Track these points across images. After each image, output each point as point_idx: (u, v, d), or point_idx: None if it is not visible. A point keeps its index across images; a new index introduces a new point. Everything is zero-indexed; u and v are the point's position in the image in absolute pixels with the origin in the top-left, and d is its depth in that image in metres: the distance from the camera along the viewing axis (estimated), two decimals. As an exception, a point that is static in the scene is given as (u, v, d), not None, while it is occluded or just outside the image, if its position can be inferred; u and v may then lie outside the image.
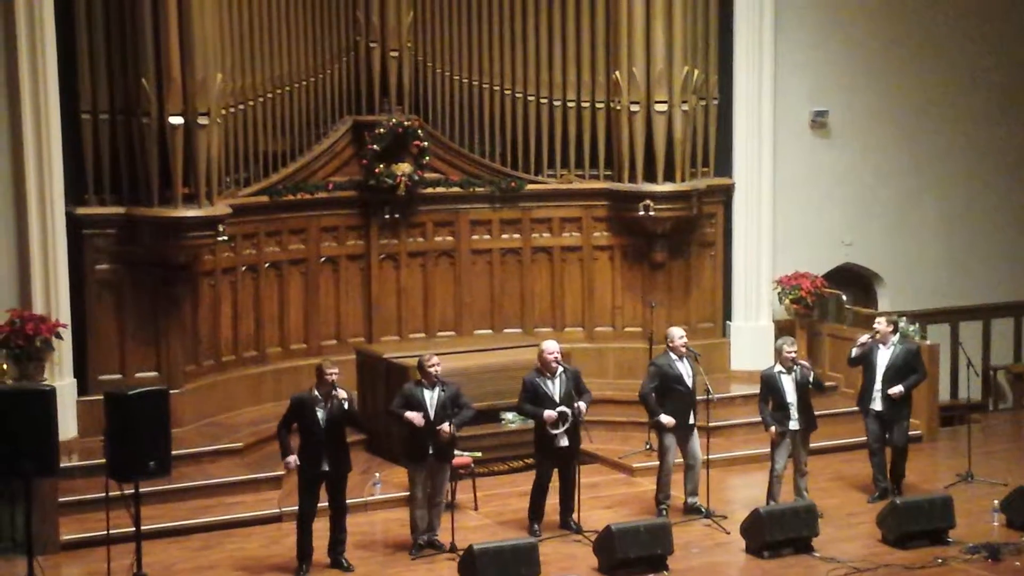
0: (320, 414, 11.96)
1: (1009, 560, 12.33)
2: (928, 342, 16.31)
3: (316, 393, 12.02)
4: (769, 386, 13.32)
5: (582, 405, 12.87)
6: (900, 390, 13.83)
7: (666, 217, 16.67)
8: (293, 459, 12.02)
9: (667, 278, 17.10)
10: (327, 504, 12.14)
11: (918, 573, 12.10)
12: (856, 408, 14.54)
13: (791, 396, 13.23)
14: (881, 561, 12.33)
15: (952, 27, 18.50)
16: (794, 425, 13.25)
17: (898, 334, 14.26)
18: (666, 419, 13.18)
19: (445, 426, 12.30)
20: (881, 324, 14.10)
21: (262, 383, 15.82)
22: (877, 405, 13.94)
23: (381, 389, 14.95)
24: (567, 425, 12.78)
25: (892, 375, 13.89)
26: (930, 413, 16.22)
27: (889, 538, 12.75)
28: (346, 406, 11.99)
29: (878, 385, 13.92)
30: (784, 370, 13.30)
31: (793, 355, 13.34)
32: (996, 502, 13.36)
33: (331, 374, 12.00)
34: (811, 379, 13.34)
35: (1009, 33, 18.89)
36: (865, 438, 14.23)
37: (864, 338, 14.11)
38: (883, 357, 13.96)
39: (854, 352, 14.12)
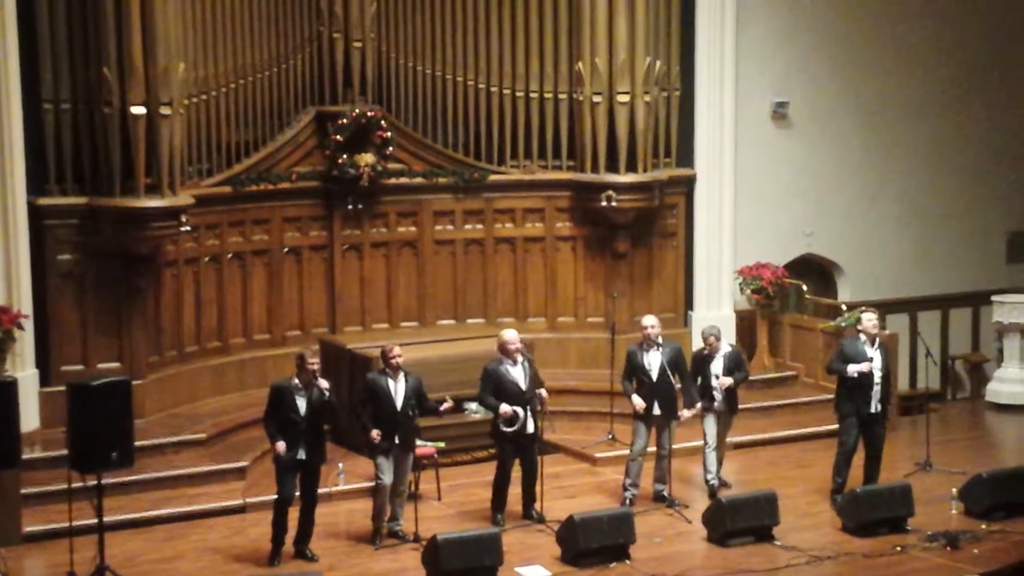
0: (300, 403, 11.97)
1: (967, 548, 12.45)
2: (888, 332, 16.42)
3: (296, 381, 12.02)
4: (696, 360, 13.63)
5: (543, 392, 12.94)
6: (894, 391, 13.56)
7: (628, 208, 16.74)
8: (283, 444, 11.95)
9: (629, 268, 17.17)
10: (299, 494, 12.15)
11: (878, 561, 12.19)
12: (815, 398, 14.57)
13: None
14: (841, 549, 12.43)
15: (913, 20, 18.62)
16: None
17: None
18: (637, 401, 13.28)
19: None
20: (872, 321, 13.15)
21: (225, 374, 15.79)
22: (874, 408, 13.17)
23: (345, 379, 14.92)
24: (517, 426, 12.81)
25: (883, 376, 13.24)
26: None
27: (849, 526, 12.86)
28: (327, 396, 12.03)
29: (876, 389, 13.13)
30: (708, 353, 13.51)
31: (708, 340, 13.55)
32: (954, 490, 13.48)
33: (312, 363, 12.01)
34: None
35: (969, 29, 19.00)
36: (821, 428, 14.25)
37: (865, 365, 12.94)
38: (876, 359, 13.13)
39: (858, 372, 12.97)
